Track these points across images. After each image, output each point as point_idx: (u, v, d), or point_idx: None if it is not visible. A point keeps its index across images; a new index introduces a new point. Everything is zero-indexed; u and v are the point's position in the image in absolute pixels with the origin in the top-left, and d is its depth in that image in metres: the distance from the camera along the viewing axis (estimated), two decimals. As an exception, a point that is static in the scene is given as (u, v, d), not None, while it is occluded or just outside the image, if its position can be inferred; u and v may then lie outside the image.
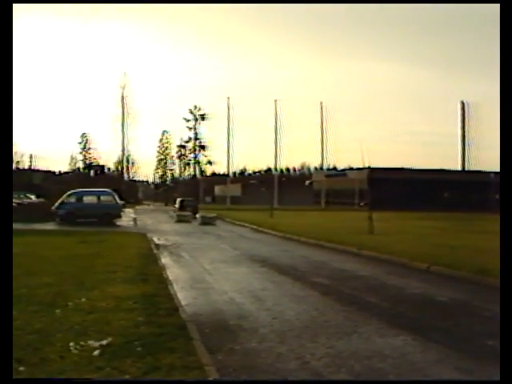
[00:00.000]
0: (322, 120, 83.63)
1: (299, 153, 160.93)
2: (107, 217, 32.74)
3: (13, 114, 5.58)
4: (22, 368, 5.52)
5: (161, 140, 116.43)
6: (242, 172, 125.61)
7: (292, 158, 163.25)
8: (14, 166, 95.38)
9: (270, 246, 22.02)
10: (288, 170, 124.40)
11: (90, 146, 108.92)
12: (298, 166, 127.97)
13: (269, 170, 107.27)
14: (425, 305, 10.17)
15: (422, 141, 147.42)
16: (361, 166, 37.81)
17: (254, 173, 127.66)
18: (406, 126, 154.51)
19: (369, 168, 40.10)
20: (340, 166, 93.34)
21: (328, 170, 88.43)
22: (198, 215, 40.59)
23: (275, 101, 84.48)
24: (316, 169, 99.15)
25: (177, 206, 48.58)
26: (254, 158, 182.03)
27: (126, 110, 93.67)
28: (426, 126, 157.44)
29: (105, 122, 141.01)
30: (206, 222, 37.13)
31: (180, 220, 39.67)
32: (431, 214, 46.50)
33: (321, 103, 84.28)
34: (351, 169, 76.65)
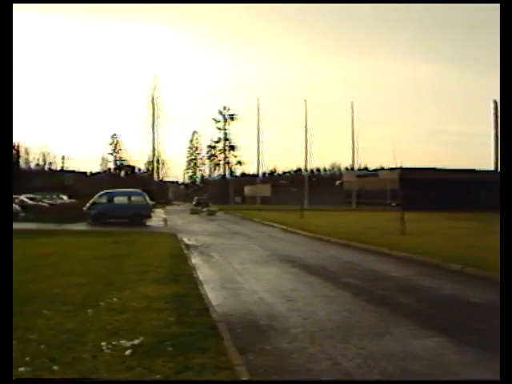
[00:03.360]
0: (352, 120, 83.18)
1: (329, 153, 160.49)
2: (138, 217, 33.08)
3: (13, 114, 5.58)
4: (55, 367, 5.58)
5: (191, 140, 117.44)
6: (272, 172, 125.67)
7: (322, 158, 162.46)
8: (46, 167, 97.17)
9: (301, 246, 21.94)
10: (318, 170, 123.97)
11: (121, 147, 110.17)
12: (328, 166, 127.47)
13: (299, 170, 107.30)
14: (459, 306, 10.01)
15: (455, 141, 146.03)
16: (392, 166, 37.50)
17: (284, 173, 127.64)
18: (438, 125, 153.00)
19: (400, 168, 39.71)
20: (371, 166, 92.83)
21: (359, 170, 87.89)
22: (205, 209, 54.82)
23: (305, 101, 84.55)
24: (347, 169, 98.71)
25: (194, 202, 66.32)
26: (283, 158, 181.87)
27: (156, 111, 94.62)
28: (458, 125, 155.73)
29: (135, 123, 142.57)
30: (211, 213, 51.46)
31: (193, 212, 54.40)
32: (464, 214, 45.81)
33: (351, 103, 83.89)
34: (382, 169, 76.07)
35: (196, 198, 69.42)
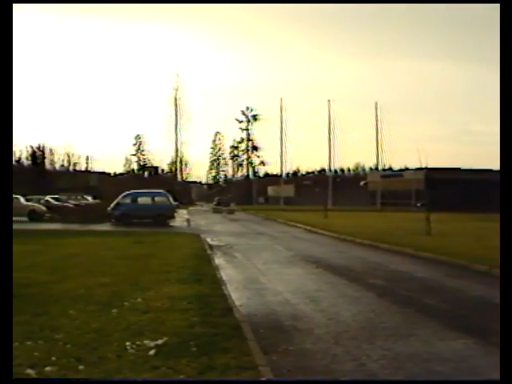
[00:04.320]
0: (376, 120, 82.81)
1: (353, 153, 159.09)
2: (161, 217, 33.30)
3: (13, 114, 5.62)
4: (81, 367, 5.64)
5: (214, 141, 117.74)
6: (296, 173, 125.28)
7: (346, 159, 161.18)
8: (71, 168, 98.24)
9: (325, 246, 21.89)
10: (342, 170, 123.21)
11: (144, 148, 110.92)
12: (352, 166, 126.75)
13: (322, 170, 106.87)
14: (486, 308, 9.92)
15: (480, 141, 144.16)
16: (417, 167, 37.18)
17: (308, 173, 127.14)
18: (464, 125, 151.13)
19: (426, 168, 39.33)
20: (396, 167, 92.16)
21: (383, 170, 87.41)
22: (225, 208, 59.58)
23: (328, 101, 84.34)
24: (371, 169, 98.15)
25: (214, 202, 68.29)
26: (307, 158, 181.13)
27: (179, 111, 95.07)
28: (483, 125, 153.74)
29: (158, 124, 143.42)
30: (230, 212, 56.98)
31: (215, 211, 59.75)
32: (490, 215, 45.22)
33: (375, 103, 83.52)
34: (407, 169, 75.47)
35: (217, 198, 71.50)
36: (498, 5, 5.94)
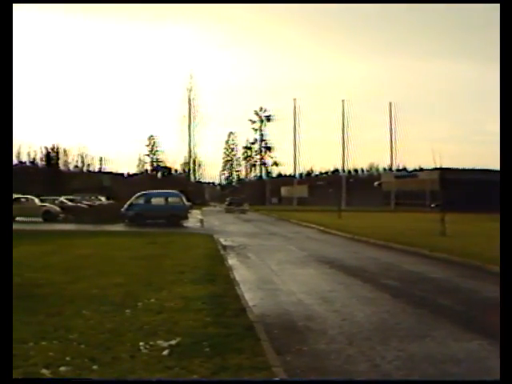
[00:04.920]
0: (390, 120, 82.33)
1: (367, 153, 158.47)
2: (174, 218, 33.38)
3: (13, 114, 5.63)
4: (95, 367, 5.68)
5: (227, 141, 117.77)
6: (309, 173, 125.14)
7: (360, 159, 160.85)
8: (85, 168, 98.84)
9: (338, 247, 21.85)
10: (356, 170, 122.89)
11: (158, 149, 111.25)
12: (366, 166, 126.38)
13: (336, 170, 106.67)
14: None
15: (495, 141, 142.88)
16: (432, 167, 37.00)
17: (321, 174, 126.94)
18: (478, 125, 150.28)
19: (440, 169, 39.08)
20: (410, 167, 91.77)
21: (397, 170, 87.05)
22: (237, 208, 61.47)
23: (342, 101, 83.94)
24: (385, 169, 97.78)
25: (226, 203, 69.26)
26: (320, 158, 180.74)
27: (192, 112, 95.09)
28: (497, 125, 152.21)
29: (172, 125, 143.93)
30: (242, 211, 59.59)
31: (227, 211, 61.55)
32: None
33: (390, 103, 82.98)
34: (422, 169, 75.15)
35: (228, 198, 72.68)
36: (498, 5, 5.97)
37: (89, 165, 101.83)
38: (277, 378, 5.58)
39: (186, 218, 35.29)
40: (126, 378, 5.44)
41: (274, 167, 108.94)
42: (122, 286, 10.60)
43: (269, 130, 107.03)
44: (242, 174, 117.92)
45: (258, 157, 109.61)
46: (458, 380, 5.93)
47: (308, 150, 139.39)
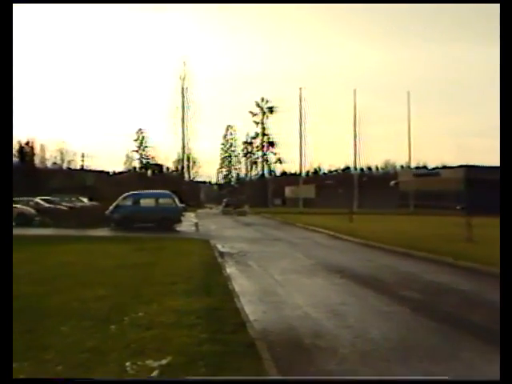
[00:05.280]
0: (409, 111, 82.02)
1: (382, 149, 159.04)
2: (166, 221, 33.35)
3: (13, 114, 5.96)
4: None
5: (225, 136, 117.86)
6: (317, 171, 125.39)
7: (374, 156, 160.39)
8: (64, 166, 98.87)
9: (350, 254, 21.79)
10: (369, 168, 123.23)
11: (147, 144, 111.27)
12: (380, 164, 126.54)
13: (347, 168, 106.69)
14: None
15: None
16: (456, 164, 37.00)
17: (330, 172, 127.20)
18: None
19: (466, 166, 39.05)
20: (431, 164, 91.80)
21: (417, 168, 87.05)
22: (235, 210, 62.78)
23: (354, 91, 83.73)
24: (402, 167, 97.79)
25: (223, 204, 70.23)
26: (329, 155, 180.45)
27: (186, 103, 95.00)
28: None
29: (163, 118, 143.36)
30: (241, 213, 61.10)
31: (224, 213, 62.87)
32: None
33: (407, 93, 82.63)
34: (444, 167, 75.15)
35: (225, 199, 73.90)
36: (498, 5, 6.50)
37: (69, 161, 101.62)
38: (277, 377, 5.72)
39: (179, 221, 35.25)
40: (126, 378, 5.72)
41: (278, 165, 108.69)
42: (107, 299, 10.54)
43: (272, 123, 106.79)
44: (242, 173, 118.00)
45: (260, 153, 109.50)
46: (458, 380, 6.07)
47: (316, 145, 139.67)
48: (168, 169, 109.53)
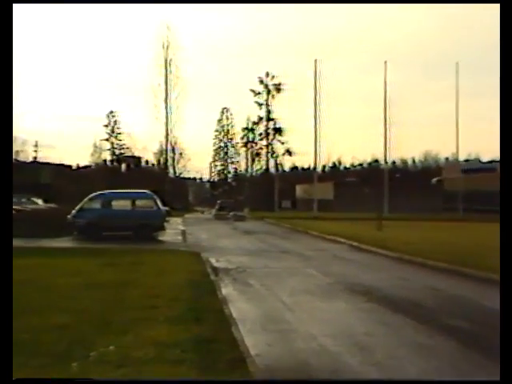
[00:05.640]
0: (457, 89, 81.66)
1: (421, 137, 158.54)
2: (146, 229, 33.31)
3: (13, 114, 6.89)
4: None
5: (220, 121, 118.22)
6: (335, 165, 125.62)
7: (410, 145, 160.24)
8: (12, 158, 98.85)
9: (379, 271, 21.76)
10: (404, 162, 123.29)
11: (121, 130, 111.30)
12: (419, 156, 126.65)
13: (375, 161, 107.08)
14: None
15: None
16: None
17: (353, 166, 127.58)
18: None
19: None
20: (485, 157, 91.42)
21: (466, 161, 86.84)
22: (231, 213, 64.66)
23: (385, 63, 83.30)
24: (447, 160, 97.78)
25: (216, 207, 73.33)
26: (352, 145, 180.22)
27: (170, 80, 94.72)
28: None
29: (141, 98, 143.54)
30: (238, 218, 62.01)
31: (217, 218, 64.67)
32: None
33: (456, 65, 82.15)
34: (503, 160, 74.81)
35: (219, 201, 76.55)
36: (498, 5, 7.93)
37: (18, 152, 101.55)
38: (278, 378, 6.48)
39: (162, 228, 35.21)
40: (126, 378, 6.43)
41: (286, 157, 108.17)
42: (67, 329, 10.53)
43: (279, 104, 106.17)
44: (241, 167, 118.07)
45: (264, 142, 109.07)
46: (458, 380, 7.01)
47: (335, 132, 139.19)
48: (148, 162, 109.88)
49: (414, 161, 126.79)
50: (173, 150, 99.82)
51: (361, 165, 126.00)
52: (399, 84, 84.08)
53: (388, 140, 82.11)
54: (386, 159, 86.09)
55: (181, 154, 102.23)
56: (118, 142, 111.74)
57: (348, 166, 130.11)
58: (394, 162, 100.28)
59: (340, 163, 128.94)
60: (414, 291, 16.89)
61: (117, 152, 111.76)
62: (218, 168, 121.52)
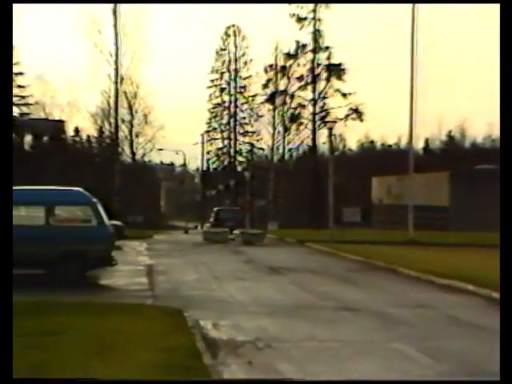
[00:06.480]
0: None
1: None
2: (74, 263, 33.08)
3: (12, 113, 11.72)
4: None
5: (219, 52, 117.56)
6: (452, 140, 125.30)
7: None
8: None
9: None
10: None
11: (22, 70, 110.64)
12: None
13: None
14: None
15: None
16: None
17: (485, 141, 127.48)
18: None
19: None
20: None
21: None
22: (236, 232, 69.20)
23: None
24: None
25: (210, 220, 79.77)
26: (482, 103, 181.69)
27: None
28: None
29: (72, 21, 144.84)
30: (249, 240, 65.06)
31: (208, 239, 66.73)
32: None
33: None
34: None
35: (216, 209, 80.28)
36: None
37: None
38: (275, 378, 9.02)
39: (108, 261, 34.89)
40: (126, 378, 10.40)
41: (352, 122, 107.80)
42: None
43: (332, 24, 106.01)
44: (262, 144, 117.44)
45: (309, 94, 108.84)
46: (458, 380, 10.93)
47: (442, 84, 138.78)
48: (78, 131, 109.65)
49: None
50: (130, 109, 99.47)
51: (493, 140, 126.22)
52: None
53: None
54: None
55: (145, 116, 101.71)
56: (23, 91, 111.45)
57: (477, 141, 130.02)
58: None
59: (465, 135, 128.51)
60: None
61: (19, 111, 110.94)
62: (218, 146, 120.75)
